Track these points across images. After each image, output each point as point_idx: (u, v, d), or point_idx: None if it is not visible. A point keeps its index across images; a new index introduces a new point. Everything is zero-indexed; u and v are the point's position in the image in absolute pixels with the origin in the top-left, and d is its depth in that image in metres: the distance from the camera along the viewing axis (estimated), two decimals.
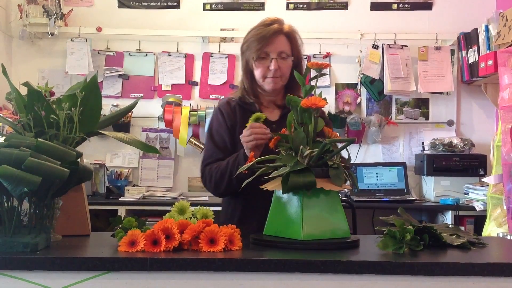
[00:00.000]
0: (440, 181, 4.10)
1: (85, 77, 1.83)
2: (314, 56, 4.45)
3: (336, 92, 4.46)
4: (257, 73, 2.07)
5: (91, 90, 1.64)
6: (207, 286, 1.38)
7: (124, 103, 4.31)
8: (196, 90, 4.50)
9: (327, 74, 4.35)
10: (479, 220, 3.78)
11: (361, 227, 3.08)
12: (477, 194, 3.83)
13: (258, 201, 1.82)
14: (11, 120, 1.77)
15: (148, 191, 4.25)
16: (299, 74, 1.72)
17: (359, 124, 4.29)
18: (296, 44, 2.11)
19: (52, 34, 4.27)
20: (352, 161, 3.43)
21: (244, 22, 4.46)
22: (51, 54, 4.48)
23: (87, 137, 1.66)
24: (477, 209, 3.76)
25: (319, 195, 1.58)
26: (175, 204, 1.67)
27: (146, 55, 4.50)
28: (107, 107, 4.26)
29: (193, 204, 1.70)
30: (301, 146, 1.59)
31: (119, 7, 4.53)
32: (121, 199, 4.00)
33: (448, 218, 3.89)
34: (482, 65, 3.90)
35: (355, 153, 4.32)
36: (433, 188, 4.10)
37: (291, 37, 2.09)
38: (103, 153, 4.40)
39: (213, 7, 4.51)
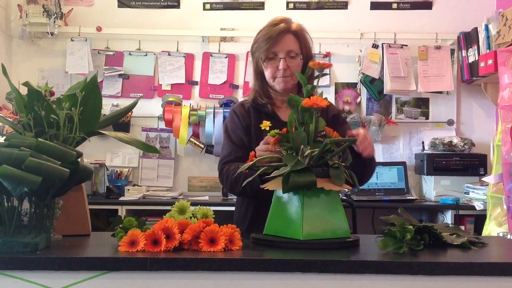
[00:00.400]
0: (440, 181, 4.10)
1: (85, 77, 1.83)
2: (314, 55, 4.43)
3: (336, 92, 4.46)
4: (267, 73, 2.07)
5: (91, 90, 1.64)
6: (207, 285, 1.38)
7: (124, 102, 4.32)
8: (196, 90, 4.50)
9: (328, 74, 4.35)
10: (479, 219, 3.78)
11: (361, 227, 3.08)
12: (477, 194, 3.83)
13: (269, 202, 1.82)
14: (11, 120, 1.77)
15: (148, 190, 4.25)
16: (301, 74, 1.72)
17: (359, 123, 4.29)
18: (305, 42, 2.09)
19: (52, 34, 4.27)
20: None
21: (244, 22, 4.47)
22: (51, 54, 4.48)
23: (87, 137, 1.66)
24: (477, 208, 3.76)
25: (320, 195, 1.58)
26: (175, 203, 1.67)
27: (146, 55, 4.50)
28: (107, 106, 4.27)
29: (193, 203, 1.71)
30: (302, 146, 1.59)
31: (119, 6, 4.53)
32: (121, 198, 4.00)
33: (448, 217, 3.89)
34: (482, 64, 3.90)
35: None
36: (433, 188, 4.10)
37: (299, 35, 2.07)
38: (103, 152, 4.40)
39: (213, 7, 4.51)
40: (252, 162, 1.68)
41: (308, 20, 4.51)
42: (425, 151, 4.26)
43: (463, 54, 4.28)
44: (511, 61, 3.34)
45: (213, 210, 1.67)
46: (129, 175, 4.34)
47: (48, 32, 4.27)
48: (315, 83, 1.70)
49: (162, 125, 4.40)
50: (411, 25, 4.45)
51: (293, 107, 1.66)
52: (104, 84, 4.43)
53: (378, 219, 1.76)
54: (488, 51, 3.91)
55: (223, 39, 4.51)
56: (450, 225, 1.83)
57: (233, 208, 2.24)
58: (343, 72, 4.47)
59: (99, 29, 4.36)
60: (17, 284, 1.37)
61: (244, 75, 4.46)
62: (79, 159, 1.52)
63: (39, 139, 1.45)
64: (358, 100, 4.44)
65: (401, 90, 4.31)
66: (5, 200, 1.44)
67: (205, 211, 1.66)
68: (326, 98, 1.65)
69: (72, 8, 4.44)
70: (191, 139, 4.34)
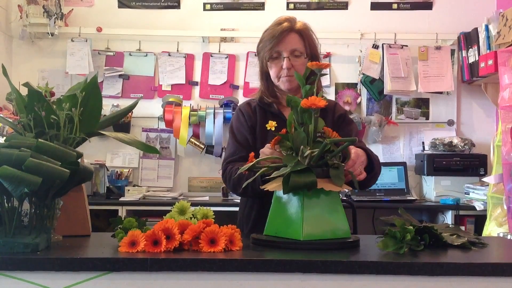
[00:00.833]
0: (440, 181, 4.10)
1: (85, 77, 1.83)
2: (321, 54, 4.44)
3: (337, 92, 4.46)
4: (272, 73, 2.07)
5: (91, 91, 1.64)
6: (207, 286, 1.38)
7: (125, 103, 4.32)
8: (196, 90, 4.50)
9: (327, 74, 4.36)
10: (480, 220, 3.78)
11: (362, 227, 3.08)
12: (477, 194, 3.83)
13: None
14: (11, 120, 1.77)
15: (148, 191, 4.25)
16: (299, 75, 1.72)
17: (359, 124, 4.29)
18: (310, 41, 2.07)
19: (52, 34, 4.27)
20: None
21: (244, 22, 4.47)
22: (51, 54, 4.48)
23: (88, 138, 1.66)
24: (478, 208, 3.76)
25: (320, 195, 1.58)
26: (175, 204, 1.67)
27: (146, 55, 4.50)
28: (108, 107, 4.27)
29: (194, 204, 1.70)
30: (302, 146, 1.59)
31: (119, 7, 4.53)
32: (122, 199, 4.00)
33: (448, 218, 3.89)
34: (482, 64, 3.90)
35: None
36: (433, 188, 4.10)
37: (303, 34, 2.05)
38: (104, 153, 4.40)
39: (213, 7, 4.51)
40: (252, 163, 1.68)
41: (308, 21, 4.49)
42: (425, 152, 4.26)
43: (463, 55, 4.29)
44: (511, 61, 3.34)
45: (213, 211, 1.67)
46: (129, 176, 4.34)
47: (48, 33, 4.27)
48: (315, 83, 1.69)
49: (162, 125, 4.40)
50: (411, 26, 4.45)
51: (292, 108, 1.66)
52: (104, 84, 4.44)
53: (379, 219, 1.77)
54: (488, 51, 3.91)
55: (223, 39, 4.51)
56: (450, 226, 1.82)
57: (233, 209, 2.25)
58: (343, 73, 4.47)
59: (99, 29, 4.36)
60: (18, 285, 1.37)
61: (245, 75, 4.46)
62: (79, 160, 1.52)
63: (39, 139, 1.45)
64: (358, 100, 4.44)
65: (401, 90, 4.31)
66: (5, 200, 1.44)
67: (205, 212, 1.66)
68: (324, 98, 1.65)
69: (72, 9, 4.45)
70: (191, 139, 4.34)
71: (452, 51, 4.39)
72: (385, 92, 4.34)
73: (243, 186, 1.70)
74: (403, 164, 4.24)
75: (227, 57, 4.47)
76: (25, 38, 4.41)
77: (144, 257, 1.39)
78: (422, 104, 4.48)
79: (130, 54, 4.50)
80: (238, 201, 2.26)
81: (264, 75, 2.11)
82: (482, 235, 3.08)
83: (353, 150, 1.74)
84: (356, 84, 4.44)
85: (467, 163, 4.07)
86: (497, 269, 1.37)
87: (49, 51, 4.49)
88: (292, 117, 1.65)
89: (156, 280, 1.37)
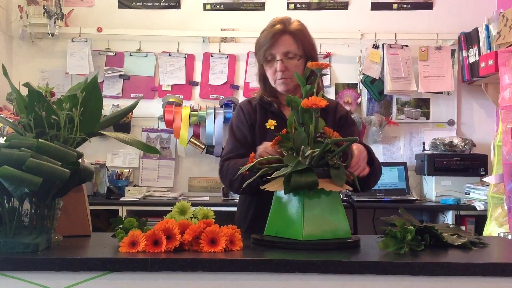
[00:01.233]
0: (440, 181, 4.09)
1: (85, 78, 1.83)
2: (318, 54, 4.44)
3: (337, 92, 4.46)
4: (268, 75, 2.06)
5: (91, 91, 1.64)
6: (208, 286, 1.38)
7: (125, 103, 4.32)
8: (196, 90, 4.50)
9: (327, 74, 4.35)
10: (480, 220, 3.78)
11: (362, 227, 3.08)
12: (478, 194, 3.83)
13: (271, 201, 1.83)
14: (11, 120, 1.77)
15: (148, 191, 4.25)
16: (299, 75, 1.72)
17: (360, 124, 4.29)
18: (305, 42, 2.04)
19: (52, 35, 4.27)
20: None
21: (244, 22, 4.47)
22: (51, 55, 4.48)
23: (88, 138, 1.66)
24: (478, 208, 3.76)
25: (320, 195, 1.58)
26: (175, 204, 1.67)
27: (146, 55, 4.50)
28: (108, 107, 4.27)
29: (194, 204, 1.71)
30: (303, 146, 1.59)
31: (119, 7, 4.53)
32: (122, 199, 4.00)
33: (449, 218, 3.89)
34: (482, 64, 3.90)
35: None
36: (433, 188, 4.09)
37: (297, 35, 2.02)
38: (104, 153, 4.40)
39: (214, 7, 4.51)
40: (252, 164, 1.68)
41: (309, 21, 4.48)
42: (425, 152, 4.26)
43: (464, 55, 4.28)
44: None
45: (214, 211, 1.67)
46: (130, 176, 4.34)
47: (48, 33, 4.27)
48: (315, 83, 1.69)
49: (162, 125, 4.40)
50: (411, 26, 4.45)
51: (292, 108, 1.66)
52: (104, 84, 4.43)
53: (379, 219, 1.76)
54: (488, 51, 3.91)
55: (224, 39, 4.51)
56: (451, 226, 1.82)
57: (234, 209, 2.24)
58: (343, 73, 4.47)
59: (99, 29, 4.36)
60: (18, 285, 1.37)
61: (245, 75, 4.46)
62: (79, 160, 1.52)
63: (40, 139, 1.45)
64: (359, 100, 4.44)
65: (401, 90, 4.31)
66: (5, 200, 1.44)
67: (205, 212, 1.66)
68: (325, 98, 1.65)
69: (73, 9, 4.45)
70: (191, 139, 4.34)
71: (453, 51, 4.39)
72: (385, 92, 4.34)
73: (244, 186, 1.70)
74: (404, 164, 4.24)
75: (227, 57, 4.47)
76: (25, 38, 4.41)
77: (144, 257, 1.39)
78: (422, 104, 4.48)
79: (130, 54, 4.50)
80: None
81: (262, 77, 2.11)
82: (483, 235, 3.07)
83: (355, 146, 1.75)
84: (357, 84, 4.44)
85: (467, 163, 4.07)
86: (498, 269, 1.37)
87: (49, 51, 4.49)
88: (293, 117, 1.65)
89: (156, 280, 1.37)
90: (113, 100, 4.40)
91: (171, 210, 1.67)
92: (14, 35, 4.46)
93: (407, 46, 4.35)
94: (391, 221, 1.67)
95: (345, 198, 3.65)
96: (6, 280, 1.37)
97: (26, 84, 1.59)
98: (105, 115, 1.97)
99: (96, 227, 2.09)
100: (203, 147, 4.33)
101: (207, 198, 4.09)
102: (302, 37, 2.04)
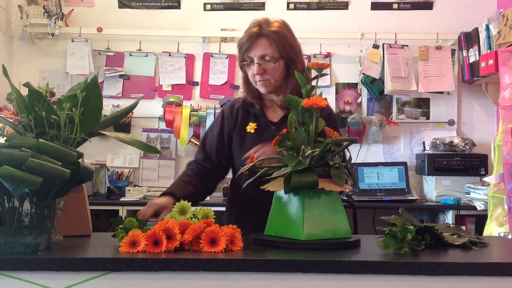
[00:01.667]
0: (441, 181, 4.09)
1: (85, 78, 1.83)
2: (314, 56, 4.45)
3: (337, 92, 4.46)
4: (249, 77, 2.06)
5: (91, 91, 1.64)
6: (208, 286, 1.38)
7: (125, 103, 4.32)
8: (196, 90, 4.50)
9: (328, 74, 4.35)
10: (480, 219, 3.78)
11: (362, 227, 3.08)
12: (478, 194, 3.83)
13: (256, 201, 1.85)
14: (12, 120, 1.77)
15: (149, 191, 4.25)
16: (300, 74, 1.71)
17: (360, 124, 4.29)
18: (283, 43, 2.00)
19: (52, 35, 4.27)
20: (353, 161, 3.43)
21: (244, 22, 4.38)
22: (51, 55, 4.48)
23: (88, 138, 1.66)
24: (478, 208, 3.76)
25: (320, 195, 1.58)
26: (176, 204, 1.67)
27: (146, 55, 4.50)
28: (108, 107, 4.27)
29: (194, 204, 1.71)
30: (303, 146, 1.59)
31: (119, 7, 4.53)
32: (122, 199, 4.00)
33: (449, 217, 3.89)
34: (482, 64, 3.90)
35: (356, 153, 4.31)
36: (434, 188, 4.09)
37: (273, 38, 1.99)
38: (104, 153, 4.40)
39: (214, 7, 4.51)
40: (252, 164, 1.68)
41: (309, 21, 4.56)
42: (426, 151, 4.26)
43: (464, 54, 4.28)
44: None
45: (214, 211, 1.67)
46: (130, 176, 4.35)
47: (48, 33, 4.27)
48: (314, 83, 1.69)
49: (162, 125, 4.40)
50: (411, 25, 4.45)
51: (293, 108, 1.65)
52: (104, 84, 4.43)
53: (379, 219, 1.76)
54: (488, 51, 3.91)
55: (224, 39, 4.51)
56: (451, 225, 1.82)
57: None
58: (343, 73, 4.47)
59: (99, 29, 4.36)
60: (18, 285, 1.37)
61: None
62: (79, 160, 1.52)
63: (40, 139, 1.45)
64: (359, 100, 4.44)
65: (401, 90, 4.31)
66: (6, 200, 1.44)
67: (206, 212, 1.66)
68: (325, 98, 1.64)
69: (73, 9, 4.45)
70: (191, 139, 4.34)
71: (453, 51, 4.39)
72: (385, 92, 4.34)
73: (244, 186, 1.70)
74: (404, 164, 4.24)
75: (227, 57, 4.47)
76: (26, 39, 4.41)
77: (144, 257, 1.39)
78: (422, 104, 4.48)
79: (130, 54, 4.50)
80: None
81: (245, 79, 2.11)
82: (483, 235, 3.07)
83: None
84: (357, 84, 4.44)
85: (467, 163, 4.07)
86: (498, 268, 1.37)
87: (49, 51, 4.49)
88: (293, 117, 1.65)
89: (156, 280, 1.37)
90: (113, 100, 4.40)
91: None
92: (14, 35, 4.46)
93: (407, 46, 4.35)
94: (391, 221, 1.67)
95: (345, 198, 3.65)
96: (6, 280, 1.37)
97: (26, 84, 1.59)
98: (105, 115, 1.97)
99: (96, 227, 2.09)
100: None
101: (207, 198, 4.07)
102: (279, 39, 1.99)
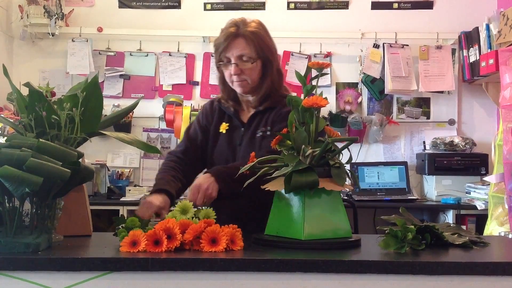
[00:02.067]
0: (441, 180, 4.09)
1: (86, 77, 1.83)
2: (315, 55, 4.45)
3: (337, 92, 4.45)
4: (226, 77, 2.06)
5: (92, 91, 1.64)
6: (208, 286, 1.38)
7: (125, 103, 4.31)
8: (197, 90, 4.50)
9: (328, 73, 4.35)
10: (481, 219, 3.77)
11: (363, 227, 3.08)
12: (478, 193, 3.83)
13: (238, 202, 1.90)
14: (12, 120, 1.77)
15: (149, 191, 4.22)
16: (300, 74, 1.71)
17: (360, 123, 4.29)
18: (261, 44, 1.99)
19: (53, 35, 4.28)
20: (353, 161, 3.43)
21: None
22: (52, 55, 4.48)
23: (88, 138, 1.66)
24: (479, 208, 3.76)
25: (321, 195, 1.58)
26: (177, 204, 1.67)
27: (147, 55, 4.50)
28: (108, 107, 4.27)
29: (195, 204, 1.71)
30: (303, 146, 1.59)
31: (119, 7, 4.53)
32: (123, 199, 4.00)
33: (449, 217, 3.89)
34: (483, 64, 3.90)
35: (357, 153, 4.31)
36: (434, 187, 4.09)
37: (251, 38, 1.98)
38: (104, 153, 4.40)
39: (214, 7, 4.51)
40: (252, 163, 1.68)
41: (309, 20, 4.56)
42: (426, 151, 4.26)
43: (464, 54, 4.28)
44: None
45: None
46: (130, 176, 4.34)
47: (49, 33, 4.27)
48: (314, 83, 1.69)
49: (163, 125, 4.40)
50: (412, 25, 4.45)
51: (293, 107, 1.65)
52: (105, 84, 4.43)
53: (380, 219, 1.76)
54: (489, 50, 3.90)
55: None
56: (451, 225, 1.82)
57: None
58: (344, 72, 4.46)
59: (100, 29, 4.36)
60: (19, 285, 1.37)
61: None
62: (80, 160, 1.52)
63: (40, 139, 1.45)
64: (359, 100, 4.44)
65: (402, 90, 4.31)
66: (6, 200, 1.44)
67: (206, 212, 1.66)
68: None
69: (73, 9, 4.45)
70: None
71: (453, 51, 4.39)
72: (386, 92, 4.34)
73: (244, 185, 1.70)
74: (404, 163, 4.24)
75: None
76: (26, 38, 4.41)
77: (145, 257, 1.39)
78: (423, 103, 4.48)
79: (130, 54, 4.50)
80: None
81: (221, 79, 2.11)
82: (483, 235, 3.07)
83: (196, 180, 1.86)
84: (357, 83, 4.44)
85: (468, 162, 4.06)
86: (498, 268, 1.37)
87: (49, 51, 4.49)
88: (293, 116, 1.65)
89: (157, 280, 1.37)
90: (114, 100, 4.40)
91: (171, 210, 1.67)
92: (15, 35, 4.46)
93: (407, 45, 4.35)
94: (392, 221, 1.67)
95: (346, 197, 3.65)
96: (7, 280, 1.37)
97: (27, 84, 1.59)
98: (105, 115, 1.97)
99: (96, 227, 2.09)
100: None
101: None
102: (256, 40, 1.99)
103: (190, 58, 4.49)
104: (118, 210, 3.85)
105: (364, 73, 4.36)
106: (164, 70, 4.47)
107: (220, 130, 2.11)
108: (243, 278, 1.38)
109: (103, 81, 4.43)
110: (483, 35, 3.99)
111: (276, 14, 4.47)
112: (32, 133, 1.56)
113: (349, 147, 1.64)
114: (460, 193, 4.00)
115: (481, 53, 4.00)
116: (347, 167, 1.65)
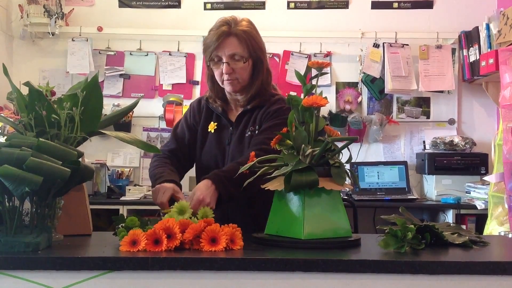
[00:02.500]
0: (441, 180, 4.09)
1: (86, 77, 1.83)
2: (315, 55, 4.45)
3: (337, 91, 4.45)
4: (216, 76, 2.04)
5: (92, 90, 1.64)
6: (208, 285, 1.38)
7: (125, 102, 4.32)
8: (197, 90, 4.50)
9: (328, 73, 4.35)
10: (481, 218, 3.78)
11: (363, 226, 3.08)
12: (478, 193, 3.83)
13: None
14: (12, 120, 1.77)
15: (149, 190, 4.24)
16: (299, 73, 1.71)
17: (360, 123, 4.29)
18: (252, 43, 1.99)
19: (53, 34, 4.28)
20: (353, 160, 3.43)
21: None
22: (52, 54, 4.48)
23: (88, 137, 1.66)
24: (479, 207, 3.76)
25: (321, 194, 1.58)
26: (174, 204, 1.67)
27: (147, 55, 4.50)
28: (108, 106, 4.27)
29: None
30: (303, 145, 1.59)
31: (119, 6, 4.53)
32: (122, 198, 4.00)
33: (449, 217, 3.89)
34: (483, 63, 3.90)
35: (356, 152, 4.31)
36: (434, 187, 4.09)
37: (243, 37, 1.97)
38: (104, 152, 4.40)
39: (214, 7, 4.51)
40: (252, 163, 1.68)
41: (309, 20, 4.56)
42: (426, 151, 4.26)
43: (464, 53, 4.28)
44: None
45: (214, 210, 1.67)
46: (130, 175, 4.35)
47: (49, 32, 4.27)
48: (314, 82, 1.69)
49: (163, 125, 4.40)
50: (412, 25, 4.45)
51: (293, 107, 1.65)
52: (105, 84, 4.43)
53: (379, 218, 1.76)
54: (489, 50, 3.90)
55: None
56: (451, 224, 1.82)
57: None
58: (344, 72, 4.47)
59: (100, 29, 4.36)
60: (18, 284, 1.37)
61: None
62: (80, 159, 1.52)
63: (40, 139, 1.45)
64: (359, 99, 4.44)
65: (402, 89, 4.31)
66: (6, 200, 1.44)
67: (205, 211, 1.66)
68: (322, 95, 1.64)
69: (73, 8, 4.45)
70: None
71: (453, 50, 4.39)
72: (386, 91, 4.34)
73: (244, 185, 1.70)
74: (404, 163, 4.24)
75: None
76: (26, 38, 4.41)
77: (145, 256, 1.39)
78: (423, 103, 4.48)
79: (130, 54, 4.50)
80: None
81: (210, 77, 2.09)
82: (483, 234, 3.07)
83: (197, 191, 1.82)
84: (357, 83, 4.44)
85: (468, 162, 4.06)
86: (498, 267, 1.37)
87: (49, 51, 4.49)
88: (293, 116, 1.65)
89: (157, 279, 1.37)
90: (114, 100, 4.40)
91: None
92: (15, 35, 4.46)
93: (407, 45, 4.35)
94: (392, 220, 1.67)
95: (346, 197, 3.65)
96: (7, 279, 1.37)
97: (27, 83, 1.59)
98: (105, 114, 1.97)
99: (96, 226, 2.10)
100: None
101: None
102: (248, 39, 1.99)
103: (190, 58, 4.49)
104: (118, 209, 3.85)
105: (364, 73, 4.36)
106: (164, 69, 4.47)
107: (209, 130, 2.11)
108: (243, 278, 1.38)
109: (103, 81, 4.43)
110: (483, 34, 3.99)
111: (276, 14, 4.47)
112: (32, 132, 1.56)
113: (349, 146, 1.64)
114: (460, 193, 4.00)
115: (481, 53, 4.01)
116: (347, 166, 1.65)
